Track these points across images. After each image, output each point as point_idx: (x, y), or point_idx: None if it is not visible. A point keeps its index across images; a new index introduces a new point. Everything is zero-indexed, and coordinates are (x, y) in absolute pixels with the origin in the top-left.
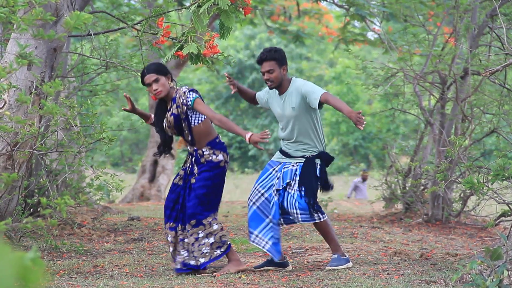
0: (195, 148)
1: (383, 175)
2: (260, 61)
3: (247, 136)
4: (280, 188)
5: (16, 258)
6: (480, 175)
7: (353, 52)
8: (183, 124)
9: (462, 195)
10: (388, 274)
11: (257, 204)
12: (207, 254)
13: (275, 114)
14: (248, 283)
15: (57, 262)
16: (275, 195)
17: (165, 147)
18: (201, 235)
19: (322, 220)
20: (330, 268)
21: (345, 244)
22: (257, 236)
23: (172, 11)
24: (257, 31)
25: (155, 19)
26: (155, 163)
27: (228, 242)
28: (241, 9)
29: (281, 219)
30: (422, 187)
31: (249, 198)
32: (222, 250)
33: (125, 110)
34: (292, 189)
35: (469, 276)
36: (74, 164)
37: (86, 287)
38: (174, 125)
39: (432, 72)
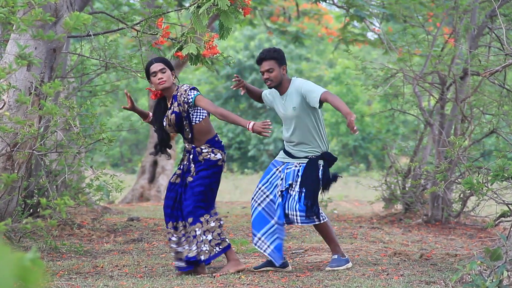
0: (194, 145)
1: (382, 176)
2: (260, 60)
3: (250, 125)
4: (283, 190)
5: (15, 258)
6: (479, 176)
7: (352, 52)
8: (184, 122)
9: (461, 195)
10: (387, 274)
11: (262, 205)
12: (206, 251)
13: (279, 115)
14: (248, 284)
15: (56, 262)
16: (279, 196)
17: (162, 146)
18: (198, 232)
19: (321, 222)
20: (330, 269)
21: (344, 245)
22: (259, 239)
23: (172, 11)
24: (257, 31)
25: (154, 19)
26: (154, 164)
27: (227, 241)
28: (240, 10)
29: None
30: (421, 188)
31: (253, 198)
32: (221, 247)
33: (125, 108)
34: (293, 191)
35: (469, 276)
36: (73, 165)
37: (86, 287)
38: (175, 123)
39: (432, 73)
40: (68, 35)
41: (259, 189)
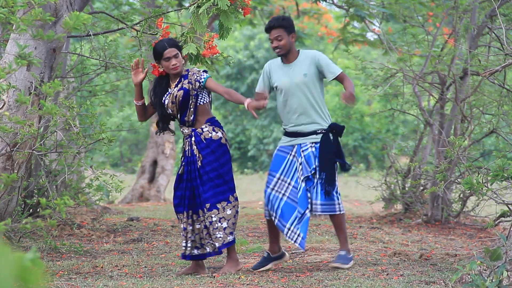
0: (193, 128)
1: (382, 176)
2: (268, 28)
3: (246, 102)
4: (309, 175)
5: (15, 258)
6: (479, 176)
7: (352, 52)
8: (191, 101)
9: (461, 195)
10: (387, 274)
11: (287, 194)
12: (220, 238)
13: (280, 86)
14: (247, 284)
15: (56, 262)
16: (302, 181)
17: (163, 123)
18: (214, 219)
19: (341, 212)
20: (335, 265)
21: None
22: (289, 229)
23: (172, 11)
24: (257, 31)
25: (154, 19)
26: (154, 164)
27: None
28: (240, 10)
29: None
30: (421, 188)
31: (273, 189)
32: (232, 237)
33: (137, 81)
34: (316, 178)
35: (469, 276)
36: (73, 165)
37: (86, 287)
38: (181, 100)
39: (432, 73)
40: (68, 35)
41: (278, 179)
